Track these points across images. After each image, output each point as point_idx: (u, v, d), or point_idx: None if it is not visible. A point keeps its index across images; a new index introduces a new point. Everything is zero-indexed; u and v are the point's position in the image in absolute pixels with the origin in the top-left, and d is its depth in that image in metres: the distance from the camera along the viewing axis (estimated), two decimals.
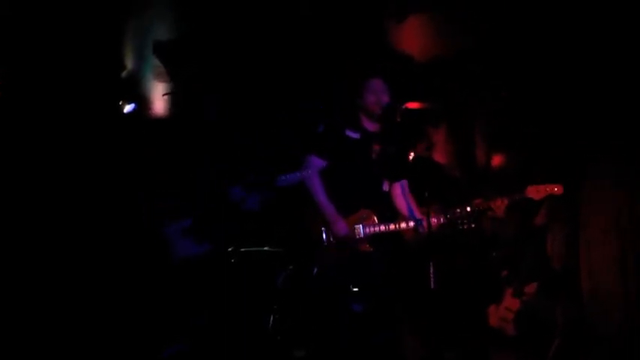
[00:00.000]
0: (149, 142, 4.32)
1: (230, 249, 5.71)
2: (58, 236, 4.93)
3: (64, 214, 4.97)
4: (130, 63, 5.51)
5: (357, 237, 4.39)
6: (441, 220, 4.40)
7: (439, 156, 5.03)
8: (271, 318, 5.36)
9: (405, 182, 4.63)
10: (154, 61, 5.37)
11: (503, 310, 5.44)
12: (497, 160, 5.99)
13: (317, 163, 4.45)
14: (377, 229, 4.41)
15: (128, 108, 5.31)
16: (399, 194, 4.60)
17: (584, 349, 4.98)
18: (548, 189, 4.36)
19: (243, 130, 5.72)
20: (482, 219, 5.23)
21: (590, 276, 5.04)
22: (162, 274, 4.34)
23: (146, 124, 4.58)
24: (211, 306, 4.57)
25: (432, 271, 4.36)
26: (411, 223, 4.41)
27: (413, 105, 5.95)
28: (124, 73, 5.53)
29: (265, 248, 5.89)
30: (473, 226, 4.40)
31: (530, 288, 5.36)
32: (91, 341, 4.57)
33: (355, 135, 4.45)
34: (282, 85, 5.85)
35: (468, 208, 4.37)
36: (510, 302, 5.43)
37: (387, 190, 4.56)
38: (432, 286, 4.36)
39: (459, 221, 4.39)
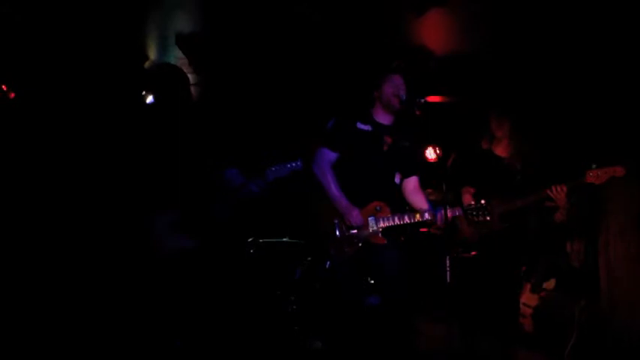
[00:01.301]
0: (150, 141, 4.36)
1: (250, 239, 5.78)
2: (58, 233, 4.92)
3: (68, 210, 4.98)
4: (152, 54, 5.58)
5: (371, 229, 4.40)
6: (456, 212, 4.41)
7: (501, 150, 5.03)
8: (289, 309, 5.42)
9: (416, 177, 4.64)
10: (177, 52, 5.43)
11: (522, 306, 5.40)
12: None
13: (328, 155, 4.48)
14: (391, 221, 4.42)
15: (151, 99, 5.36)
16: (413, 188, 4.61)
17: (601, 347, 4.93)
18: (609, 172, 4.28)
19: (244, 132, 5.78)
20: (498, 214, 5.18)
21: (608, 275, 5.00)
22: (162, 271, 4.36)
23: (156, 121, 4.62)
24: (223, 298, 4.60)
25: (448, 264, 4.34)
26: (426, 216, 4.41)
27: (434, 99, 5.95)
28: (146, 64, 5.60)
29: (285, 239, 5.94)
30: (488, 218, 4.38)
31: (549, 284, 5.32)
32: (93, 339, 4.57)
33: (366, 127, 4.48)
34: (284, 85, 5.90)
35: (482, 201, 4.36)
36: (529, 298, 5.39)
37: (399, 182, 4.58)
38: (448, 279, 4.34)
39: (473, 213, 4.38)
